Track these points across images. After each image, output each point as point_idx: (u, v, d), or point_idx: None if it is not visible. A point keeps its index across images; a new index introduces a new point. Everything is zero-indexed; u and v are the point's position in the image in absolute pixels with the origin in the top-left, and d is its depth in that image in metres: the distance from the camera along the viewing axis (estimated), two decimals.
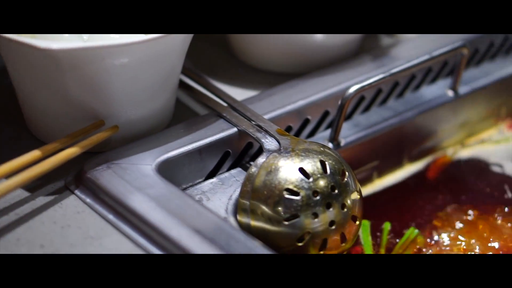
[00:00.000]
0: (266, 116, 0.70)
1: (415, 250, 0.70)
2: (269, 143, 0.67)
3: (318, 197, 0.63)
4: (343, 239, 0.65)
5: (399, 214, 0.74)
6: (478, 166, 0.79)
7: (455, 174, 0.78)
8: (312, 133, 0.74)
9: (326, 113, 0.74)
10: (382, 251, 0.70)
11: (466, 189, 0.77)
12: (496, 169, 0.79)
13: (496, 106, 0.83)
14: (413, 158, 0.78)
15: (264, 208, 0.63)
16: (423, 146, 0.79)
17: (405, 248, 0.70)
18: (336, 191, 0.64)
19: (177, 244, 0.58)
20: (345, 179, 0.64)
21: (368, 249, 0.70)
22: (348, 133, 0.74)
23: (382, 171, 0.77)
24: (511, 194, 0.76)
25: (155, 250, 0.59)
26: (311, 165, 0.64)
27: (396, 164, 0.78)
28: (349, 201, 0.64)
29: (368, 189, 0.76)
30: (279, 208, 0.63)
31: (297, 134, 0.73)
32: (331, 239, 0.64)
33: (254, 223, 0.64)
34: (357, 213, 0.65)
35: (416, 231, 0.71)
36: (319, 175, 0.64)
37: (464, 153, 0.81)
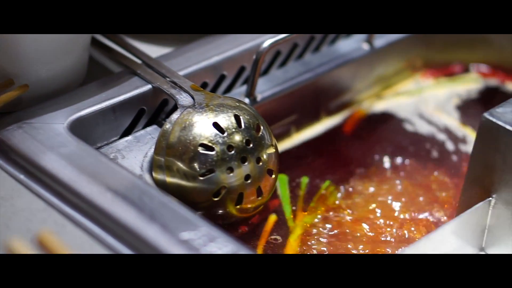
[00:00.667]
0: (181, 73, 0.70)
1: (331, 203, 0.70)
2: (184, 99, 0.66)
3: (233, 152, 0.63)
4: (259, 193, 0.65)
5: (317, 168, 0.74)
6: (393, 119, 0.80)
7: (371, 128, 0.79)
8: (228, 89, 0.74)
9: (242, 69, 0.74)
10: (300, 205, 0.71)
11: (382, 142, 0.77)
12: (411, 121, 0.80)
13: (411, 57, 0.83)
14: (330, 112, 0.79)
15: (179, 164, 0.63)
16: (339, 99, 0.79)
17: (323, 201, 0.71)
18: (251, 145, 0.64)
19: (89, 202, 0.58)
20: (260, 133, 0.65)
21: (286, 203, 0.71)
22: (265, 88, 0.74)
23: (300, 125, 0.77)
24: (426, 146, 0.77)
25: (67, 209, 0.59)
26: (225, 120, 0.64)
27: (314, 118, 0.78)
28: (264, 155, 0.65)
29: (286, 144, 0.76)
30: (194, 164, 0.63)
31: (213, 90, 0.73)
32: (247, 193, 0.64)
33: (169, 179, 0.63)
34: (273, 167, 0.65)
35: (332, 186, 0.72)
36: (233, 130, 0.64)
37: (380, 106, 0.81)
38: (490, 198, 0.64)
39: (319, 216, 0.69)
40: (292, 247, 0.66)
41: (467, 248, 0.64)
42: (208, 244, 0.55)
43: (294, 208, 0.70)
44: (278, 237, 0.67)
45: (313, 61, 0.77)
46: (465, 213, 0.63)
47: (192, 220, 0.57)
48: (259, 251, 0.66)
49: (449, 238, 0.63)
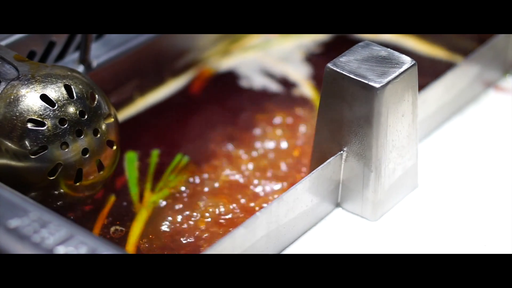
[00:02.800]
0: (3, 42, 0.64)
1: (186, 176, 0.67)
2: (6, 71, 0.60)
3: (66, 125, 0.58)
4: (100, 167, 0.60)
5: (167, 136, 0.70)
6: (242, 76, 0.77)
7: (219, 87, 0.75)
8: (60, 57, 0.68)
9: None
10: (149, 179, 0.66)
11: (231, 101, 0.74)
12: (259, 77, 0.76)
13: None
14: (175, 73, 0.75)
15: (8, 143, 0.58)
16: (184, 59, 0.75)
17: (176, 175, 0.67)
18: (86, 116, 0.59)
19: None
20: (96, 103, 0.60)
21: (133, 183, 0.66)
22: (100, 52, 0.69)
23: (143, 90, 0.73)
24: (275, 103, 0.74)
25: None
26: (54, 91, 0.59)
27: (158, 80, 0.74)
28: (102, 126, 0.60)
29: (130, 111, 0.72)
30: (24, 142, 0.57)
31: (43, 59, 0.67)
32: (86, 168, 0.59)
33: None
34: (113, 138, 0.61)
35: (186, 157, 0.68)
36: (65, 101, 0.59)
37: (228, 63, 0.77)
38: (342, 152, 0.61)
39: (170, 194, 0.65)
40: (134, 232, 0.62)
41: (323, 204, 0.62)
42: (40, 230, 0.50)
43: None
44: (118, 226, 0.63)
45: None
46: (318, 169, 0.60)
47: (20, 205, 0.52)
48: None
49: (305, 195, 0.60)
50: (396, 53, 0.60)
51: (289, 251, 0.60)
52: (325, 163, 0.60)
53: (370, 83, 0.58)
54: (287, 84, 0.75)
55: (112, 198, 0.64)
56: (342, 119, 0.60)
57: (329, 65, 0.59)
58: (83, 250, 0.49)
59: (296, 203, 0.59)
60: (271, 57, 0.78)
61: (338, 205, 0.63)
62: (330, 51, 0.79)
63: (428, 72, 0.71)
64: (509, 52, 0.73)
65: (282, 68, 0.77)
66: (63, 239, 0.50)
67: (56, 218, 0.51)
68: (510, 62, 0.74)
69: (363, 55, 0.60)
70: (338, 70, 0.59)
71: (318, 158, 0.62)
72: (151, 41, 0.71)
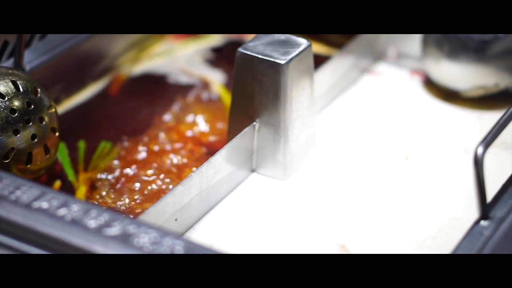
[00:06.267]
0: None
1: (108, 161, 0.76)
2: None
3: (16, 114, 0.67)
4: (47, 151, 0.69)
5: (91, 131, 0.80)
6: (151, 79, 0.87)
7: (132, 89, 0.86)
8: None
9: (5, 43, 0.77)
10: (81, 166, 0.75)
11: (144, 101, 0.84)
12: (167, 79, 0.87)
13: None
14: (95, 77, 0.84)
15: None
16: (101, 65, 0.85)
17: (102, 160, 0.76)
18: (32, 106, 0.68)
19: None
20: (39, 95, 0.69)
21: (67, 167, 0.75)
22: (30, 59, 0.78)
23: (68, 92, 0.82)
24: (185, 99, 0.84)
25: None
26: (3, 86, 0.68)
27: (80, 84, 0.83)
28: (46, 115, 0.69)
29: (59, 109, 0.81)
30: None
31: None
32: (35, 152, 0.68)
33: None
34: (56, 125, 0.70)
35: (109, 144, 0.78)
36: (13, 94, 0.67)
37: (139, 68, 0.88)
38: (254, 123, 0.72)
39: (102, 175, 0.75)
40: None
41: (242, 170, 0.73)
42: (14, 191, 0.59)
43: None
44: None
45: None
46: (234, 139, 0.71)
47: None
48: None
49: (223, 164, 0.70)
50: (294, 37, 0.72)
51: (216, 209, 0.71)
52: (241, 133, 0.72)
53: (276, 61, 0.70)
54: (194, 84, 0.86)
55: (58, 183, 0.73)
56: (254, 94, 0.71)
57: (240, 49, 0.71)
58: (55, 203, 0.58)
59: (221, 166, 0.70)
60: (176, 62, 0.89)
61: (253, 170, 0.74)
62: (224, 54, 0.90)
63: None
64: (377, 45, 0.87)
65: (187, 70, 0.88)
66: (36, 196, 0.59)
67: (26, 181, 0.60)
68: (378, 52, 0.88)
69: (267, 40, 0.72)
70: (248, 52, 0.70)
71: (234, 130, 0.73)
72: (72, 49, 0.81)
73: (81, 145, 0.78)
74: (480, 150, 0.60)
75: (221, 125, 0.79)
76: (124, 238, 0.56)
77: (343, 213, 0.71)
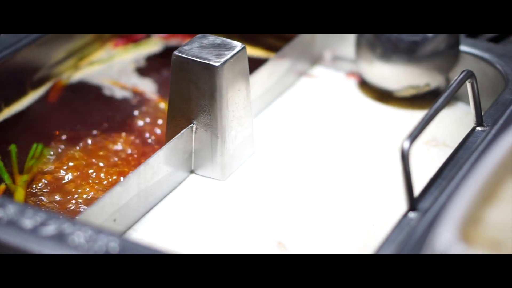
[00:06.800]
0: None
1: (42, 164, 0.77)
2: None
3: None
4: None
5: (28, 137, 0.80)
6: (90, 86, 0.88)
7: (71, 96, 0.86)
8: None
9: None
10: (15, 169, 0.76)
11: (82, 108, 0.85)
12: (104, 86, 0.88)
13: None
14: (35, 85, 0.85)
15: None
16: (41, 73, 0.86)
17: (35, 161, 0.77)
18: None
19: None
20: None
21: (2, 172, 0.76)
22: None
23: (8, 101, 0.83)
24: (120, 106, 0.85)
25: None
26: None
27: (20, 92, 0.84)
28: None
29: None
30: None
31: None
32: None
33: None
34: None
35: (40, 146, 0.78)
36: None
37: (78, 75, 0.89)
38: (192, 125, 0.74)
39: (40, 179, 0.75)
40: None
41: (180, 171, 0.74)
42: None
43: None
44: None
45: (6, 40, 0.83)
46: (172, 141, 0.72)
47: None
48: None
49: (161, 166, 0.71)
50: (228, 40, 0.74)
51: (156, 209, 0.72)
52: (178, 135, 0.73)
53: (211, 63, 0.71)
54: (132, 90, 0.87)
55: (3, 186, 0.74)
56: (190, 97, 0.73)
57: (176, 52, 0.72)
58: None
59: (159, 167, 0.71)
60: (113, 69, 0.90)
61: (192, 171, 0.76)
62: (158, 61, 0.92)
63: (253, 67, 0.86)
64: (313, 49, 0.89)
65: (124, 77, 0.89)
66: None
67: None
68: (314, 56, 0.89)
69: (202, 43, 0.73)
70: (183, 55, 0.72)
71: (172, 132, 0.74)
72: (10, 58, 0.82)
73: (13, 148, 0.78)
74: (406, 144, 0.62)
75: (159, 131, 0.81)
76: (60, 237, 0.57)
77: (280, 212, 0.72)
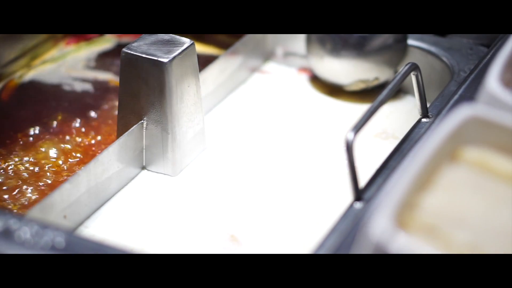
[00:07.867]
0: None
1: None
2: None
3: None
4: None
5: None
6: (43, 83, 0.88)
7: (25, 94, 0.86)
8: None
9: None
10: None
11: (37, 106, 0.85)
12: (60, 83, 0.88)
13: None
14: None
15: None
16: None
17: None
18: None
19: None
20: None
21: None
22: None
23: None
24: (76, 102, 0.85)
25: None
26: None
27: None
28: None
29: None
30: None
31: None
32: None
33: None
34: None
35: None
36: None
37: (31, 74, 0.89)
38: (142, 121, 0.74)
39: None
40: None
41: (131, 167, 0.74)
42: None
43: None
44: None
45: None
46: (122, 137, 0.73)
47: None
48: None
49: (111, 162, 0.72)
50: (177, 37, 0.74)
51: (107, 205, 0.72)
52: (128, 131, 0.73)
53: (159, 59, 0.72)
54: (86, 86, 0.88)
55: None
56: (140, 93, 0.73)
57: (125, 49, 0.73)
58: None
59: (110, 164, 0.72)
60: (66, 66, 0.90)
61: (144, 167, 0.76)
62: (110, 58, 0.92)
63: (205, 64, 0.86)
64: (265, 46, 0.90)
65: (77, 73, 0.89)
66: None
67: None
68: (266, 52, 0.90)
69: (151, 40, 0.74)
70: (132, 52, 0.72)
71: (122, 129, 0.75)
72: None
73: None
74: (350, 136, 0.63)
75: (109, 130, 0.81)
76: (6, 233, 0.57)
77: (232, 206, 0.73)
